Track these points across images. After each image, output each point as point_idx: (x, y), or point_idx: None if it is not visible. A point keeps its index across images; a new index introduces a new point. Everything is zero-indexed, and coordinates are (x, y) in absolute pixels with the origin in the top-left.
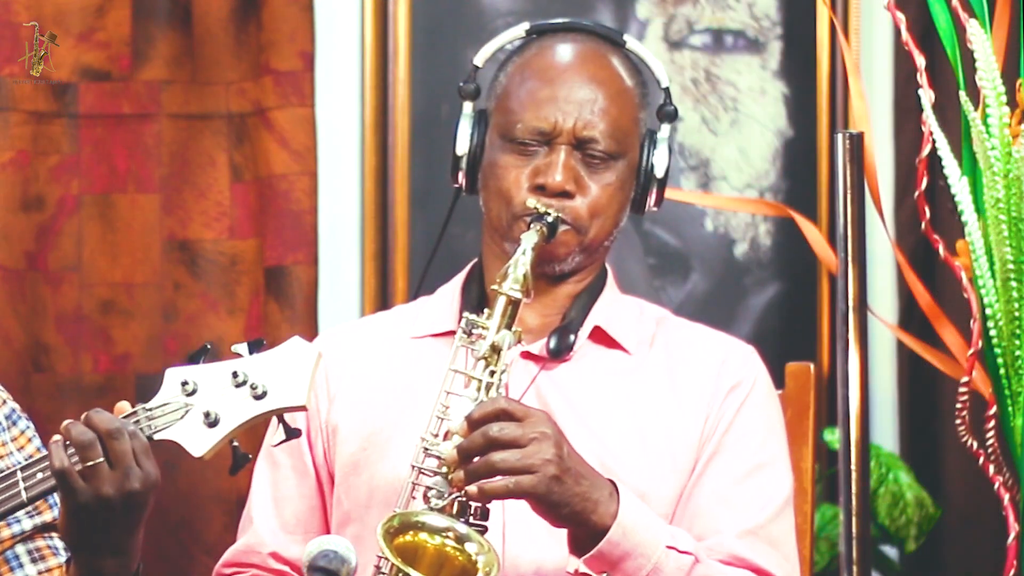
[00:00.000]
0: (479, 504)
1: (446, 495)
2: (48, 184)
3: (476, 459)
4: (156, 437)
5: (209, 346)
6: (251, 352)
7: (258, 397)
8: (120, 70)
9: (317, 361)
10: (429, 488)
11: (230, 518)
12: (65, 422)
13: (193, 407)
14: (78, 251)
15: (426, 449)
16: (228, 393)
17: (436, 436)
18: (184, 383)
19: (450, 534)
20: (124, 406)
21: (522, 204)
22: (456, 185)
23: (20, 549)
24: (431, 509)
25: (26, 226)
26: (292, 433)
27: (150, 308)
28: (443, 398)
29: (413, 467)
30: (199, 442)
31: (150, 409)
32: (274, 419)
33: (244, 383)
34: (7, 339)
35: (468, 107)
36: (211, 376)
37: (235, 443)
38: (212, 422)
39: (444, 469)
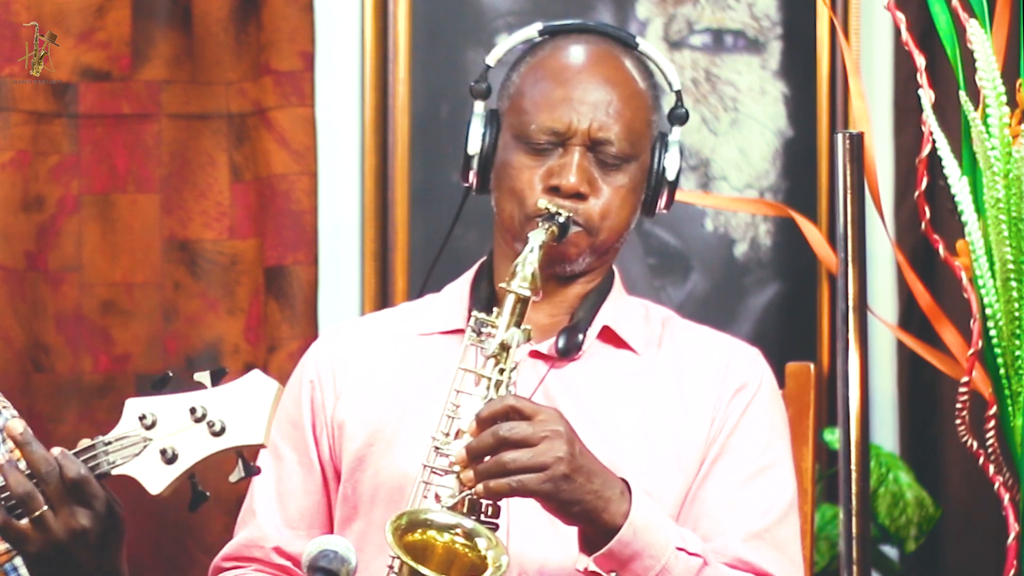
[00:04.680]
0: (490, 502)
1: (457, 494)
2: (48, 184)
3: (487, 458)
4: (114, 472)
5: (171, 374)
6: (214, 382)
7: (216, 434)
8: (120, 70)
9: (277, 396)
10: (440, 487)
11: (230, 518)
12: (4, 463)
13: (151, 442)
14: (78, 251)
15: (437, 448)
16: (187, 428)
17: (447, 435)
18: (142, 417)
19: (459, 531)
20: (84, 442)
21: (535, 205)
22: (466, 184)
23: (18, 561)
24: (441, 507)
25: (26, 226)
26: (252, 470)
27: (150, 308)
28: (453, 397)
29: (424, 466)
30: (156, 479)
31: (108, 443)
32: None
33: (203, 418)
34: (7, 339)
35: (479, 106)
36: (170, 410)
37: (194, 478)
38: (170, 459)
39: (455, 468)
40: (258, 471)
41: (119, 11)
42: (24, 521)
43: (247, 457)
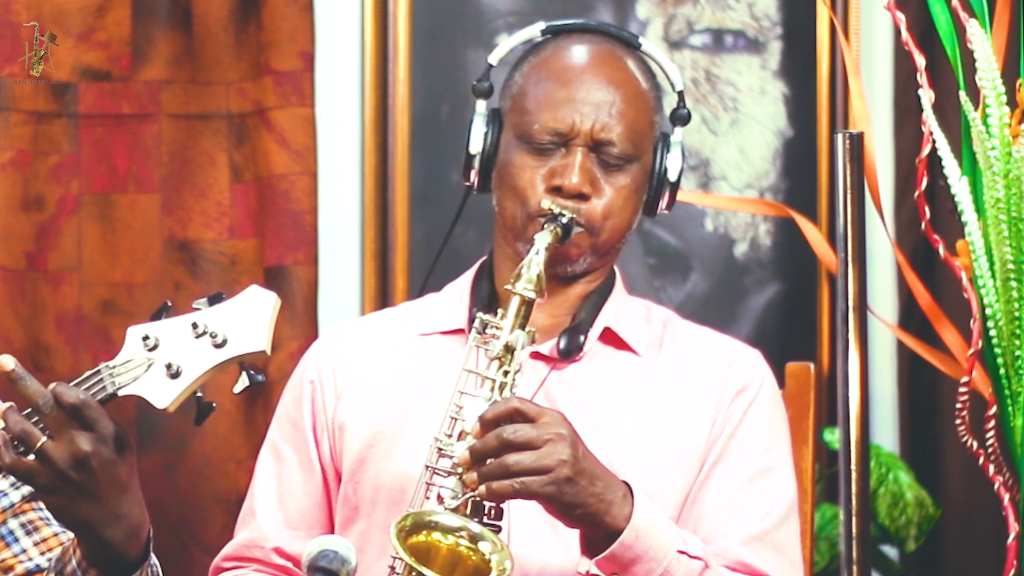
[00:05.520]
0: (493, 504)
1: (460, 495)
2: (48, 184)
3: (490, 461)
4: (120, 393)
5: (170, 304)
6: (211, 305)
7: (218, 345)
8: (120, 70)
9: (276, 306)
10: (443, 488)
11: (230, 518)
12: (3, 407)
13: (155, 361)
14: (78, 251)
15: (440, 449)
16: (189, 344)
17: (450, 436)
18: (145, 338)
19: (463, 533)
20: (88, 372)
21: (537, 205)
22: (467, 183)
23: (13, 523)
24: (445, 509)
25: (26, 226)
26: (255, 380)
27: (150, 308)
28: (456, 398)
29: (427, 467)
30: (163, 394)
31: (113, 367)
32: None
33: (204, 333)
34: (7, 339)
35: (481, 105)
36: (172, 330)
37: (199, 394)
38: (174, 374)
39: (458, 470)
40: (262, 380)
41: (119, 11)
42: (30, 457)
43: (250, 368)
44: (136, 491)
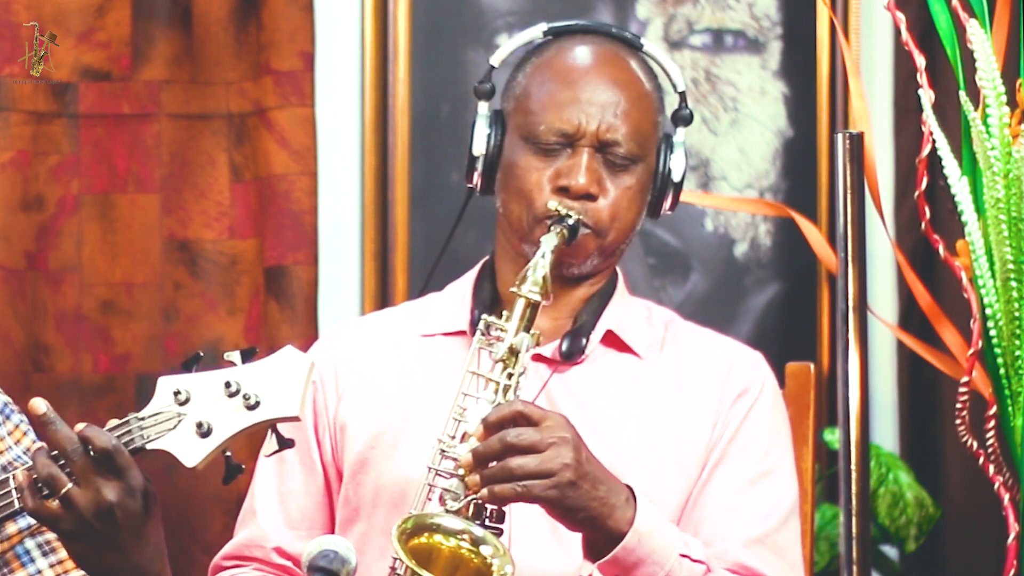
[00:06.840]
0: (495, 507)
1: (462, 497)
2: (48, 184)
3: (493, 464)
4: (149, 447)
5: (202, 354)
6: (244, 360)
7: (251, 407)
8: (120, 70)
9: (310, 371)
10: (445, 490)
11: (230, 518)
12: (34, 448)
13: (186, 417)
14: (78, 251)
15: (443, 451)
16: (221, 403)
17: (453, 438)
18: (176, 392)
19: (465, 536)
20: (113, 422)
21: (544, 206)
22: (470, 185)
23: (30, 543)
24: (447, 511)
25: (26, 226)
26: (285, 443)
27: (150, 308)
28: (460, 400)
29: (429, 468)
30: (192, 452)
31: (142, 418)
32: (269, 430)
33: (237, 393)
34: (7, 339)
35: (484, 107)
36: (204, 385)
37: (228, 453)
38: (205, 432)
39: (460, 471)
40: (292, 444)
41: (119, 11)
42: (54, 502)
43: (279, 431)
44: (160, 544)
